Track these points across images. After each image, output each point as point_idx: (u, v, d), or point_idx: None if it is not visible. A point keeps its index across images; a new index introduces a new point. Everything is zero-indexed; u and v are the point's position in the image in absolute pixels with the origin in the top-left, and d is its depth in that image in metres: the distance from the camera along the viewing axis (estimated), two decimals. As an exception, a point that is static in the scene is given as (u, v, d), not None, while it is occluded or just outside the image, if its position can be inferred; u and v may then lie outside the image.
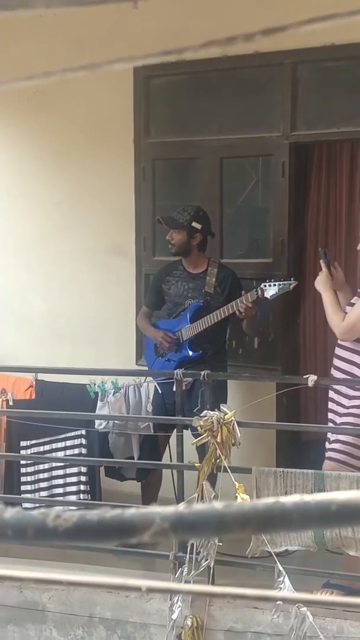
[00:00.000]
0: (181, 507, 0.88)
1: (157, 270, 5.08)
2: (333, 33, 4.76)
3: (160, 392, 4.65)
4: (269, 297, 4.53)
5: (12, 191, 5.96)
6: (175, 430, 4.53)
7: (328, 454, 4.12)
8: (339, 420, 4.17)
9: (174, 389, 4.42)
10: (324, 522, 0.88)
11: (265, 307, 4.94)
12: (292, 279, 4.60)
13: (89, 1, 0.89)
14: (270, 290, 4.51)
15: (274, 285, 4.52)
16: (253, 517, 0.86)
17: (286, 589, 3.65)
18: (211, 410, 4.02)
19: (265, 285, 4.53)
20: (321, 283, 4.27)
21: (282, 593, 2.94)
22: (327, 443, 4.17)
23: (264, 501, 0.86)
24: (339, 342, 4.22)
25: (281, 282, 4.55)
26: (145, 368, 5.16)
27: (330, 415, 4.23)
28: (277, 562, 3.75)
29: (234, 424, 3.97)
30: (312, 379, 4.06)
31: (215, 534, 0.88)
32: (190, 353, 4.83)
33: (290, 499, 0.86)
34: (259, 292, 4.54)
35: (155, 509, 0.88)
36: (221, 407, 4.10)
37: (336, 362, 4.23)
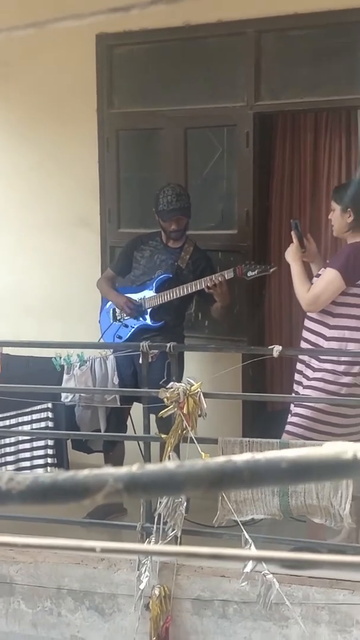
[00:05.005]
0: (134, 467, 0.87)
1: (133, 237, 5.03)
2: (297, 2, 4.74)
3: (117, 362, 4.65)
4: (246, 276, 4.56)
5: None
6: (134, 403, 4.55)
7: (287, 427, 4.15)
8: (301, 391, 4.20)
9: (140, 360, 4.42)
10: (275, 480, 0.88)
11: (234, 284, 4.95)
12: (272, 264, 4.62)
13: None
14: (250, 271, 4.54)
15: (254, 268, 4.55)
16: (205, 476, 0.86)
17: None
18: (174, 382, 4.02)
19: (243, 265, 4.56)
20: (291, 254, 4.28)
21: (239, 551, 2.96)
22: (289, 415, 4.20)
23: (216, 460, 0.86)
24: (307, 313, 4.24)
25: (261, 266, 4.57)
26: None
27: (295, 387, 4.26)
28: (244, 530, 3.78)
29: (200, 395, 3.98)
30: (277, 349, 4.07)
31: (169, 493, 0.88)
32: (151, 322, 4.82)
33: (242, 457, 0.86)
34: (237, 271, 4.55)
35: (108, 470, 0.88)
36: (187, 378, 4.11)
37: (304, 333, 4.25)
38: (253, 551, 3.13)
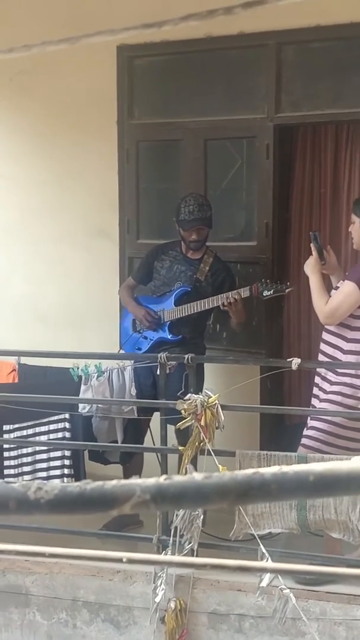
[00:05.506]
0: (162, 479, 0.86)
1: (154, 247, 5.04)
2: (318, 14, 4.74)
3: (136, 373, 4.65)
4: (262, 296, 4.55)
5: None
6: (154, 414, 4.54)
7: (303, 440, 4.12)
8: (318, 405, 4.17)
9: (158, 371, 4.41)
10: (302, 493, 0.87)
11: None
12: (288, 283, 4.61)
13: None
14: (265, 291, 4.53)
15: (270, 287, 4.54)
16: (232, 488, 0.85)
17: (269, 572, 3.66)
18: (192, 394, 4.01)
19: (259, 284, 4.55)
20: (310, 267, 4.26)
21: (264, 563, 2.94)
22: (305, 429, 4.17)
23: (243, 472, 0.85)
24: (325, 326, 4.22)
25: (277, 285, 4.55)
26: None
27: (313, 400, 4.23)
28: (261, 544, 3.75)
29: (217, 407, 3.96)
30: (295, 362, 4.06)
31: (196, 505, 0.87)
32: (169, 336, 4.82)
33: (269, 470, 0.85)
34: (253, 290, 4.54)
35: (136, 481, 0.87)
36: (205, 390, 4.10)
37: (322, 346, 4.23)
38: (274, 564, 3.11)
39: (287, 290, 4.59)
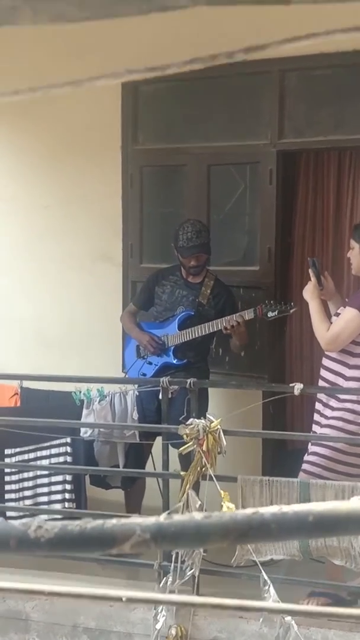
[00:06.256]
0: (161, 517, 0.87)
1: (154, 272, 5.06)
2: (321, 41, 4.77)
3: (139, 397, 4.65)
4: (267, 317, 4.56)
5: (-2, 196, 5.94)
6: (156, 439, 4.53)
7: (303, 465, 4.11)
8: (319, 430, 4.16)
9: (160, 396, 4.41)
10: (302, 533, 0.88)
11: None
12: (292, 303, 4.61)
13: (74, 18, 0.88)
14: (270, 312, 4.54)
15: (274, 308, 4.55)
16: (232, 528, 0.85)
17: (271, 598, 3.64)
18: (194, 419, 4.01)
19: (264, 306, 4.56)
20: (309, 292, 4.27)
21: (264, 603, 2.93)
22: (305, 454, 4.16)
23: (243, 512, 0.86)
24: (326, 352, 4.21)
25: (281, 306, 4.56)
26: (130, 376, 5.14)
27: (314, 426, 4.23)
28: (262, 571, 3.73)
29: (220, 432, 3.96)
30: (298, 387, 4.05)
31: (195, 544, 0.87)
32: (175, 361, 4.82)
33: (269, 510, 0.85)
34: (257, 312, 4.55)
35: (135, 520, 0.87)
36: (207, 415, 4.09)
37: (322, 372, 4.22)
38: (274, 604, 3.09)
39: (291, 311, 4.60)
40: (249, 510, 0.85)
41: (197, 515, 0.86)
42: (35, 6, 0.88)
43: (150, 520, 0.86)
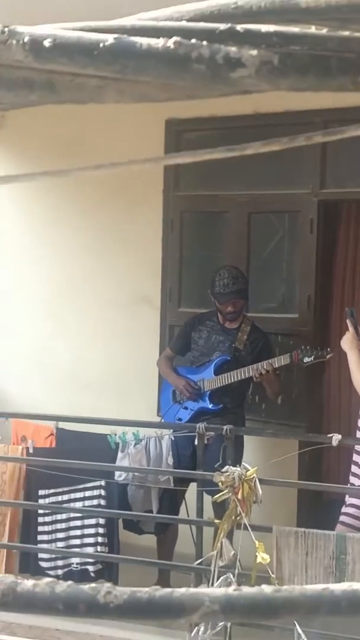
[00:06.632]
0: (230, 590, 0.87)
1: (190, 317, 5.09)
2: (364, 94, 4.82)
3: (175, 442, 4.64)
4: (303, 362, 4.55)
5: (40, 239, 6.02)
6: (190, 485, 4.51)
7: (341, 517, 4.06)
8: (358, 483, 4.12)
9: (195, 442, 4.40)
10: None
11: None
12: (328, 349, 4.60)
13: (157, 98, 0.92)
14: (306, 357, 4.53)
15: (310, 354, 4.54)
16: (303, 603, 0.85)
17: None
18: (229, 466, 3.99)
19: (300, 351, 4.56)
20: (347, 343, 4.25)
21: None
22: (343, 506, 4.12)
23: (313, 587, 0.86)
24: (364, 403, 4.19)
25: (318, 351, 4.56)
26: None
27: (351, 478, 4.18)
28: (297, 624, 3.68)
29: (255, 480, 3.93)
30: (336, 438, 4.02)
31: (265, 618, 0.87)
32: (210, 406, 4.82)
33: (340, 587, 0.85)
34: (293, 357, 4.55)
35: (204, 591, 0.88)
36: (243, 463, 4.07)
37: (361, 423, 4.19)
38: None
39: (327, 356, 4.58)
40: (319, 586, 0.85)
41: (267, 589, 0.86)
42: (121, 87, 0.91)
43: (220, 591, 0.87)
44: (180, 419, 4.90)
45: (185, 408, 4.91)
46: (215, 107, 5.08)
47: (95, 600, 0.89)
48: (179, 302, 5.59)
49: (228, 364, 4.81)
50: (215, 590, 0.87)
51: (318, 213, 5.08)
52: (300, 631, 3.67)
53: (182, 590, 0.89)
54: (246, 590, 0.87)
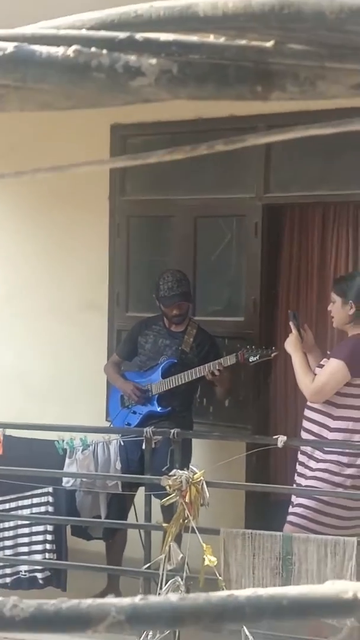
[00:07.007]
0: (137, 599, 0.87)
1: (137, 322, 5.10)
2: (307, 101, 4.87)
3: (124, 447, 4.63)
4: (249, 362, 4.58)
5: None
6: (139, 489, 4.51)
7: (289, 517, 4.10)
8: (304, 482, 4.16)
9: (143, 446, 4.40)
10: (276, 616, 0.88)
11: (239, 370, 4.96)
12: (273, 347, 4.64)
13: (60, 106, 0.91)
14: (252, 356, 4.57)
15: (256, 353, 4.57)
16: (207, 611, 0.85)
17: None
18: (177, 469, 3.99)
19: (245, 351, 4.59)
20: (291, 344, 4.30)
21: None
22: (290, 506, 4.15)
23: (219, 594, 0.86)
24: (308, 403, 4.23)
25: (263, 350, 4.59)
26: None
27: (297, 478, 4.22)
28: (244, 626, 3.69)
29: (203, 483, 3.94)
30: (281, 439, 4.06)
31: (170, 626, 0.87)
32: (159, 409, 4.83)
33: (244, 593, 0.86)
34: (239, 357, 4.58)
35: (111, 601, 0.87)
36: (190, 466, 4.08)
37: (305, 424, 4.23)
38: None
39: (272, 355, 4.62)
40: (223, 593, 0.86)
41: (173, 597, 0.86)
42: (23, 94, 0.91)
43: (126, 601, 0.87)
44: (129, 424, 4.90)
45: (134, 412, 4.91)
46: (160, 112, 5.10)
47: (1, 614, 0.88)
48: (127, 307, 5.59)
49: (175, 366, 4.82)
50: (122, 600, 0.87)
51: (263, 217, 5.12)
52: (247, 632, 3.68)
53: (89, 601, 0.88)
54: (152, 599, 0.87)
